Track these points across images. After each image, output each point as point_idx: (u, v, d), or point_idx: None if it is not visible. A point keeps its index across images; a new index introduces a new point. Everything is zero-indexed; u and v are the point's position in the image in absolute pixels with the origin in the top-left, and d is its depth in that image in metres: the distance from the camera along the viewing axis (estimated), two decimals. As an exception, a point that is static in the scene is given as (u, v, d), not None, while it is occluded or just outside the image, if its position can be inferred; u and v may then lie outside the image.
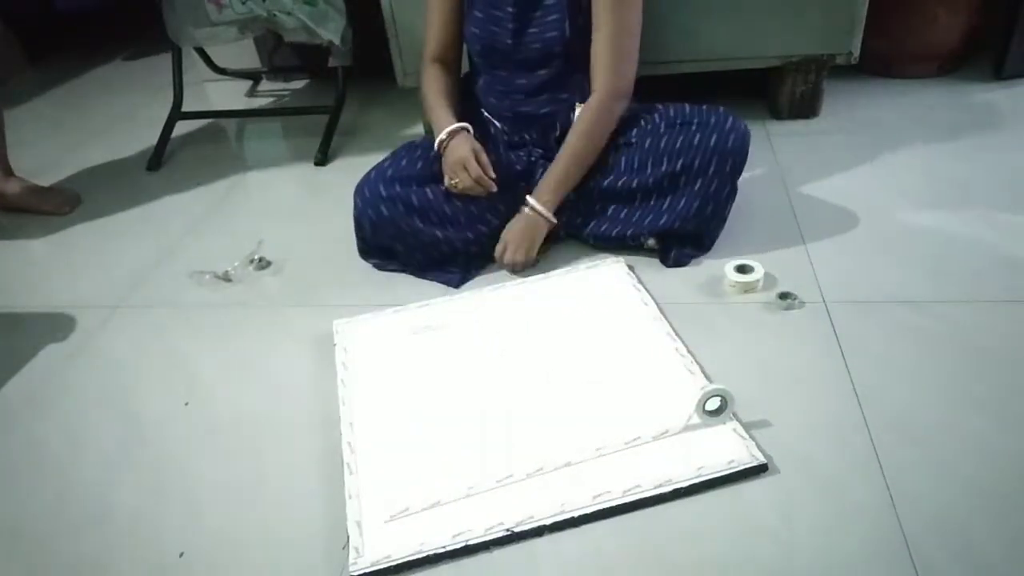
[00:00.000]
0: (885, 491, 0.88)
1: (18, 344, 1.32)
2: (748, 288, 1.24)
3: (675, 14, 1.63)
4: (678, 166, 1.26)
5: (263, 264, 1.46)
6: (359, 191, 1.32)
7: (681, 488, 0.91)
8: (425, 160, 1.34)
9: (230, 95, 2.42)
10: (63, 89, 2.68)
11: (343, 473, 0.98)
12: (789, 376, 1.06)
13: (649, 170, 1.28)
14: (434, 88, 1.40)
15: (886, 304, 1.18)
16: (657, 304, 1.21)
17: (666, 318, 1.18)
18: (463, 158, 1.27)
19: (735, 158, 1.26)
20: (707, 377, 1.06)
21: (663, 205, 1.29)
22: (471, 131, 1.33)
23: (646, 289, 1.25)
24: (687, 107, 1.30)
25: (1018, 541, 0.82)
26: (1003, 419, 0.97)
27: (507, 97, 1.38)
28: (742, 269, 1.25)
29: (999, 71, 1.92)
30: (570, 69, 1.32)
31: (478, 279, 1.34)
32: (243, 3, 1.83)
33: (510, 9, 1.30)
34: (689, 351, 1.11)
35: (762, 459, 0.93)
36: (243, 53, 2.41)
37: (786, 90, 1.80)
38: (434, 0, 1.39)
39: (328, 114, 1.96)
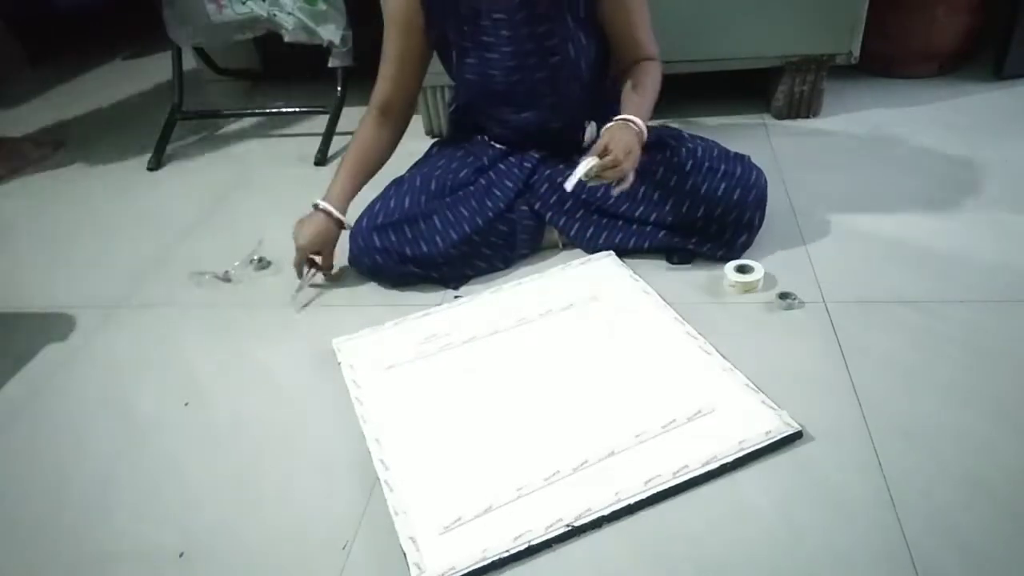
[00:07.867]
0: (885, 491, 0.88)
1: (18, 344, 1.32)
2: (748, 288, 1.24)
3: (675, 15, 1.63)
4: (699, 212, 1.27)
5: (263, 264, 1.46)
6: (353, 238, 1.33)
7: (727, 463, 0.92)
8: (412, 194, 1.33)
9: (230, 95, 2.42)
10: (63, 89, 2.68)
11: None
12: (789, 376, 1.06)
13: (668, 207, 1.29)
14: (356, 144, 1.35)
15: (886, 304, 1.18)
16: (657, 292, 1.23)
17: (669, 304, 1.20)
18: (304, 246, 1.31)
19: (754, 212, 1.28)
20: (723, 356, 1.08)
21: (679, 236, 1.30)
22: (342, 221, 1.32)
23: (642, 278, 1.27)
24: (715, 149, 1.30)
25: (1018, 540, 0.82)
26: (1003, 419, 0.97)
27: (507, 125, 1.38)
28: (742, 269, 1.25)
29: (999, 71, 1.92)
30: (577, 89, 1.31)
31: (474, 282, 1.34)
32: (243, 3, 1.84)
33: (506, 49, 1.26)
34: (700, 333, 1.13)
35: (796, 427, 0.95)
36: (243, 53, 2.41)
37: (786, 90, 1.80)
38: (395, 38, 1.28)
39: (328, 114, 1.96)
